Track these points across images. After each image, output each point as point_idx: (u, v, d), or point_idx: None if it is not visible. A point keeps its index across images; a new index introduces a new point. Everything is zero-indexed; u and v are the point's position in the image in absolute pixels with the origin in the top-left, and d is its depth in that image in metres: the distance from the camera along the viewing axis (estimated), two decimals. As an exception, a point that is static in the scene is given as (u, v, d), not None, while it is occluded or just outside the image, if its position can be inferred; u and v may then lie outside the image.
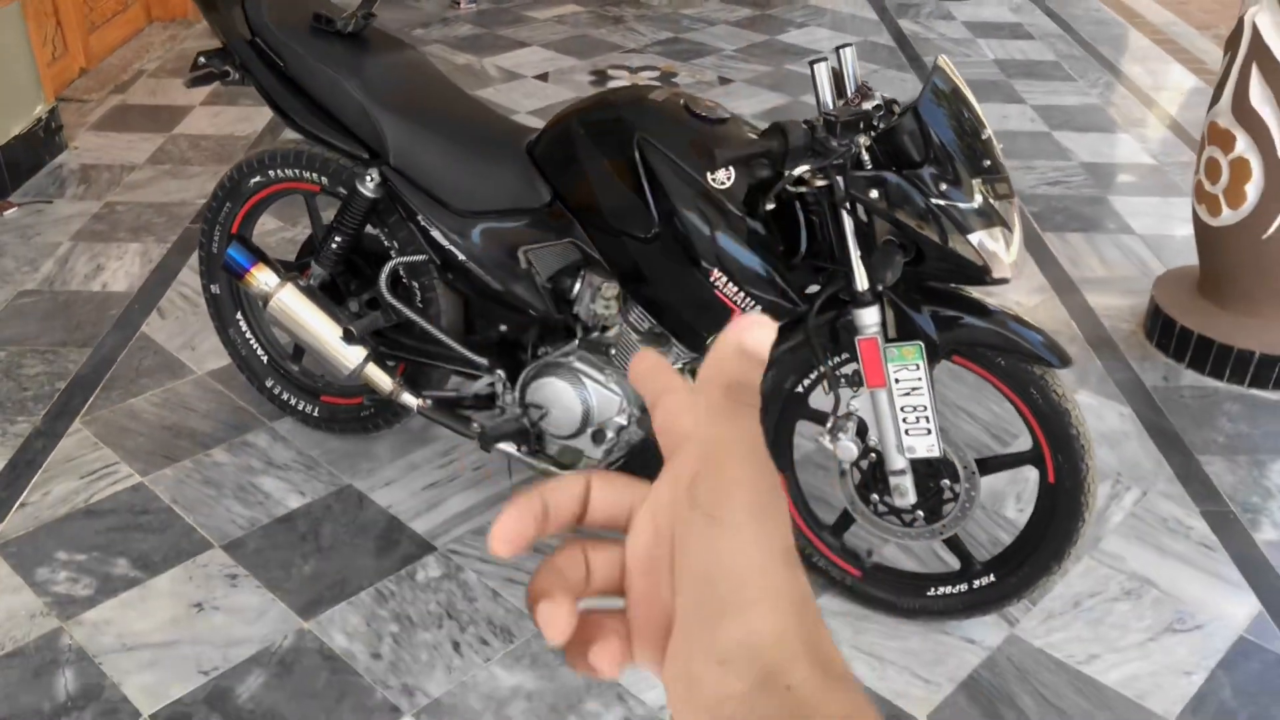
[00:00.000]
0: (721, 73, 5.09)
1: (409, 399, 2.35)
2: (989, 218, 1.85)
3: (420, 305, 2.33)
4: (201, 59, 2.31)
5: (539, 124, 2.25)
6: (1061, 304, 3.31)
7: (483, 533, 2.37)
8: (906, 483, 2.03)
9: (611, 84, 4.85)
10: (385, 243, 2.34)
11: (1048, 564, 2.06)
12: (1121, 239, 3.69)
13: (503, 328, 2.31)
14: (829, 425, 2.04)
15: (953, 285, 1.97)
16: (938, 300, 1.96)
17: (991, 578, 2.12)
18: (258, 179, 2.43)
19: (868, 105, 1.89)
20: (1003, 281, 1.89)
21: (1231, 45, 2.91)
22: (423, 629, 2.14)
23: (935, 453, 1.98)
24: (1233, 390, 2.94)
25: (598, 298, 2.17)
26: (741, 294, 1.98)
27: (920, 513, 2.08)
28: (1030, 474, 2.24)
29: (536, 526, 0.40)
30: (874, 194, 1.84)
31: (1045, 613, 2.23)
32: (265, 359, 2.63)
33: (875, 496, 2.10)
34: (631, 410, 2.17)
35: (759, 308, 1.98)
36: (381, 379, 2.35)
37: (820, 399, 2.11)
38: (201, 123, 4.36)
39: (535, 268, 2.17)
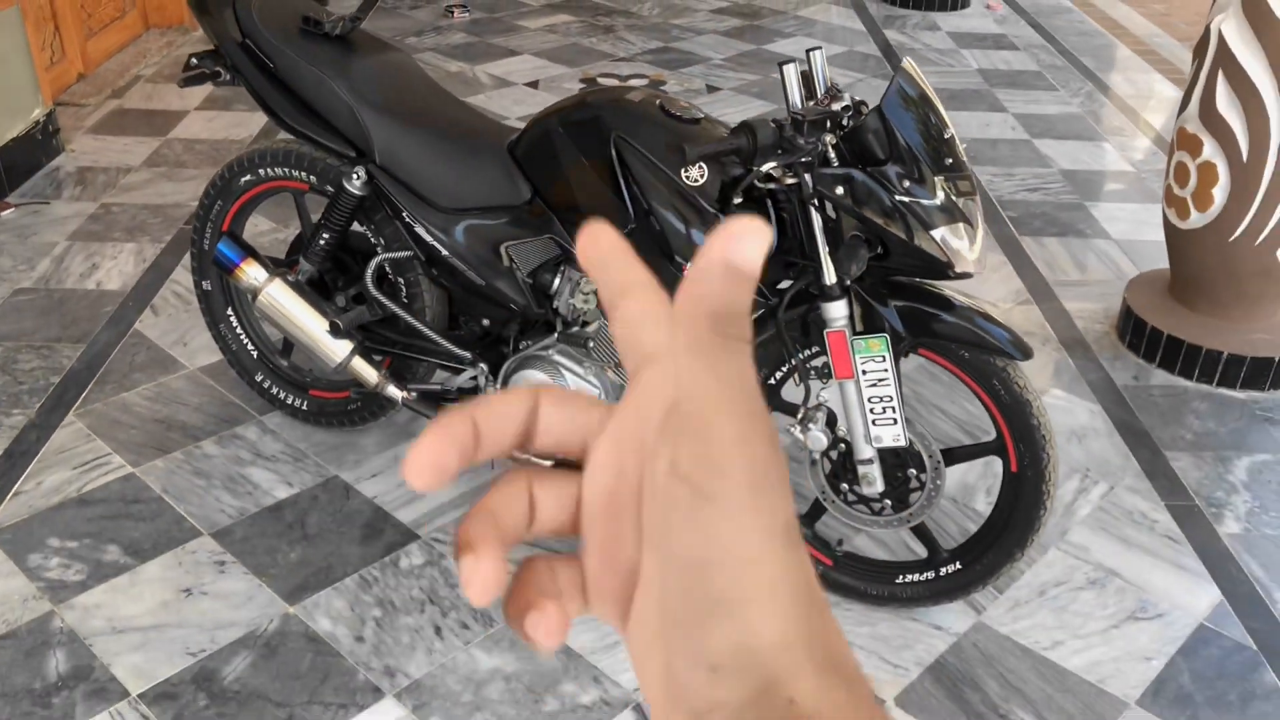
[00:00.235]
0: (709, 81, 5.17)
1: (394, 392, 2.42)
2: (951, 214, 1.92)
3: (405, 300, 2.40)
4: (194, 60, 2.39)
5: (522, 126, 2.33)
6: (1037, 306, 3.37)
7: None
8: (874, 472, 2.09)
9: (601, 91, 4.91)
10: (371, 239, 2.40)
11: (1011, 551, 2.12)
12: (1097, 244, 3.77)
13: (485, 322, 2.38)
14: (799, 416, 2.10)
15: (919, 280, 2.04)
16: (906, 295, 2.03)
17: (958, 565, 2.18)
18: (248, 177, 2.49)
19: (836, 106, 1.96)
20: (965, 276, 1.96)
21: (1199, 53, 2.99)
22: (405, 613, 2.20)
23: (901, 442, 2.05)
24: (1201, 389, 3.01)
25: (577, 292, 2.24)
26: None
27: (888, 501, 2.15)
28: (1000, 468, 2.30)
29: (462, 453, 0.33)
30: (840, 191, 1.91)
31: (1012, 601, 2.30)
32: (255, 354, 2.70)
33: (845, 486, 2.17)
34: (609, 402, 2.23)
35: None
36: (367, 372, 2.41)
37: (792, 391, 2.18)
38: (196, 127, 4.43)
39: (516, 263, 2.24)
